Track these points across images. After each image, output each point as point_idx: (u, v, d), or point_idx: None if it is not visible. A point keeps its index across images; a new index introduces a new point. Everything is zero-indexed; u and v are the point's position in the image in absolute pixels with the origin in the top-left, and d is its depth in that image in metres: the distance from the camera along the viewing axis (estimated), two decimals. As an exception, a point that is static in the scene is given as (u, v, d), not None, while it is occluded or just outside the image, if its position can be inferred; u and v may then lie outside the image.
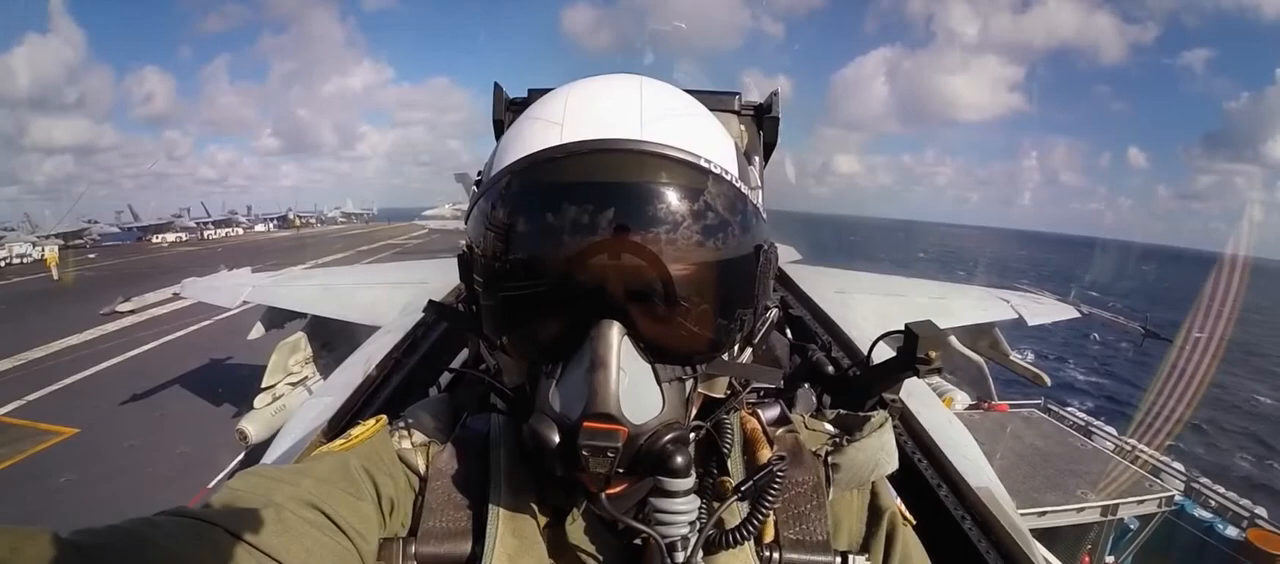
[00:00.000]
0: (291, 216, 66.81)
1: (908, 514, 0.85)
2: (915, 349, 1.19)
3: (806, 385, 1.06)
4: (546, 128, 0.68)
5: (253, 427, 4.46)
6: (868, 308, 4.25)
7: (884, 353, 1.31)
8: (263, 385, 4.65)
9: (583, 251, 0.62)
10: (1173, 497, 9.24)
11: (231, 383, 10.43)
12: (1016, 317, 5.55)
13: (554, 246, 0.63)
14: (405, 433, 0.78)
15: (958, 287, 6.76)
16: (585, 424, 0.60)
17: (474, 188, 0.77)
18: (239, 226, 56.44)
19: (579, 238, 0.62)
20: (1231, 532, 9.09)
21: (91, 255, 35.76)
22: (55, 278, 25.49)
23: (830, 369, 1.33)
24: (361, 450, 0.72)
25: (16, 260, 31.19)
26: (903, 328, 1.21)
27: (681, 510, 0.64)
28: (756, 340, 0.77)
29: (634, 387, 0.62)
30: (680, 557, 0.64)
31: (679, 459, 0.62)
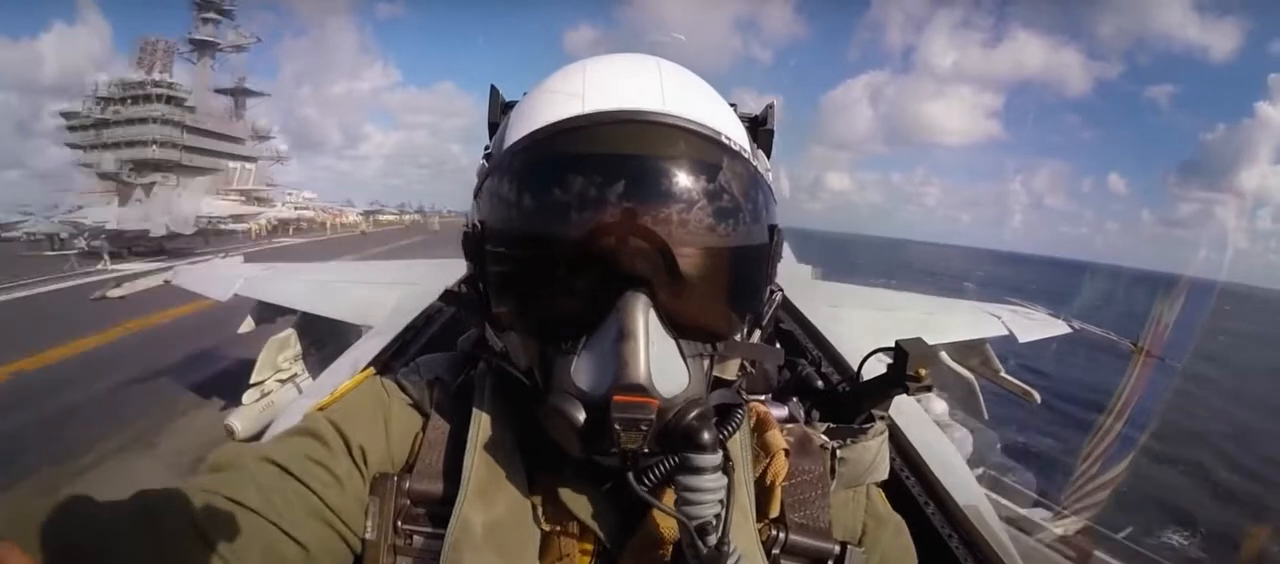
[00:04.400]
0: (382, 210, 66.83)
1: (903, 526, 0.85)
2: (905, 366, 1.19)
3: (795, 399, 1.05)
4: (567, 99, 0.67)
5: (240, 422, 4.43)
6: (859, 323, 4.26)
7: (874, 369, 1.31)
8: (251, 381, 4.62)
9: (609, 222, 0.61)
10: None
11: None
12: (1008, 333, 5.58)
13: (578, 216, 0.61)
14: (414, 373, 0.80)
15: (950, 302, 6.78)
16: (617, 397, 0.58)
17: (483, 162, 0.75)
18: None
19: (604, 208, 0.61)
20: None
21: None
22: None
23: (820, 384, 1.33)
24: (338, 408, 0.73)
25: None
26: (893, 344, 1.21)
27: (710, 489, 0.60)
28: (764, 322, 0.76)
29: (662, 359, 0.61)
30: (712, 539, 0.60)
31: (706, 434, 0.60)
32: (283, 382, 4.69)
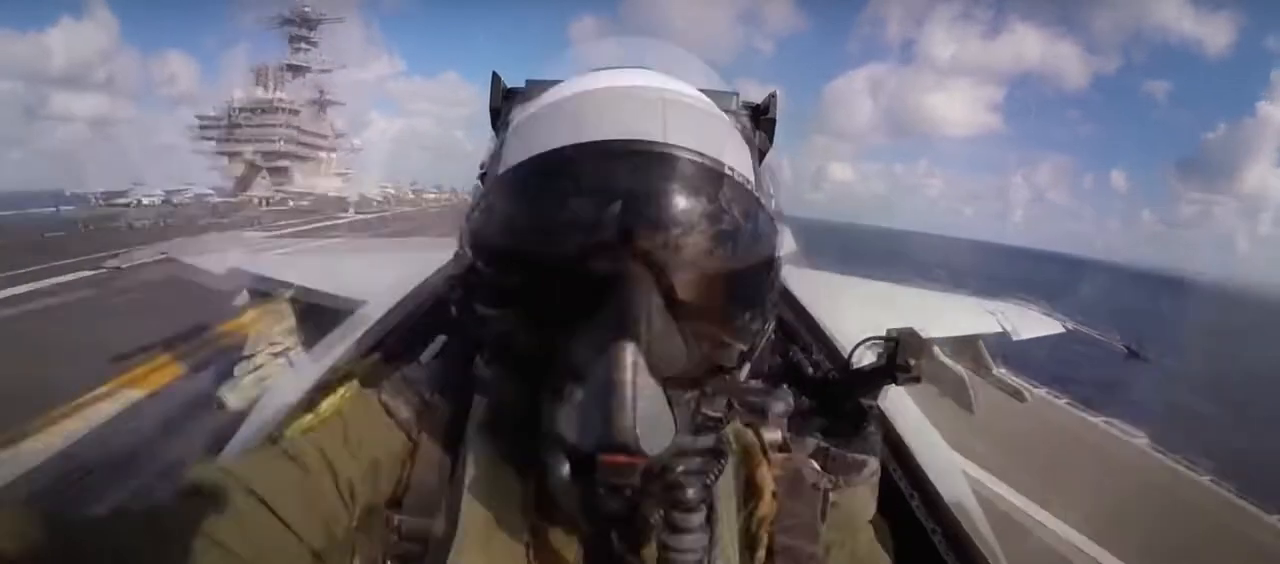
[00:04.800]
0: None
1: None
2: (896, 356, 1.18)
3: (785, 386, 1.05)
4: (563, 122, 0.64)
5: (232, 395, 4.43)
6: (854, 314, 4.25)
7: (866, 358, 1.30)
8: (244, 354, 4.62)
9: (599, 262, 0.58)
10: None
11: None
12: (1002, 330, 5.60)
13: (566, 253, 0.59)
14: (401, 389, 0.75)
15: (946, 297, 6.80)
16: (603, 459, 0.55)
17: (478, 183, 0.72)
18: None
19: (595, 245, 0.58)
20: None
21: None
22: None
23: (810, 371, 1.33)
24: (325, 434, 0.69)
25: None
26: (885, 334, 1.21)
27: (692, 549, 0.60)
28: (756, 356, 0.73)
29: (650, 413, 0.57)
30: None
31: (691, 492, 0.58)
32: (276, 355, 4.69)
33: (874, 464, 0.85)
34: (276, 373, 4.48)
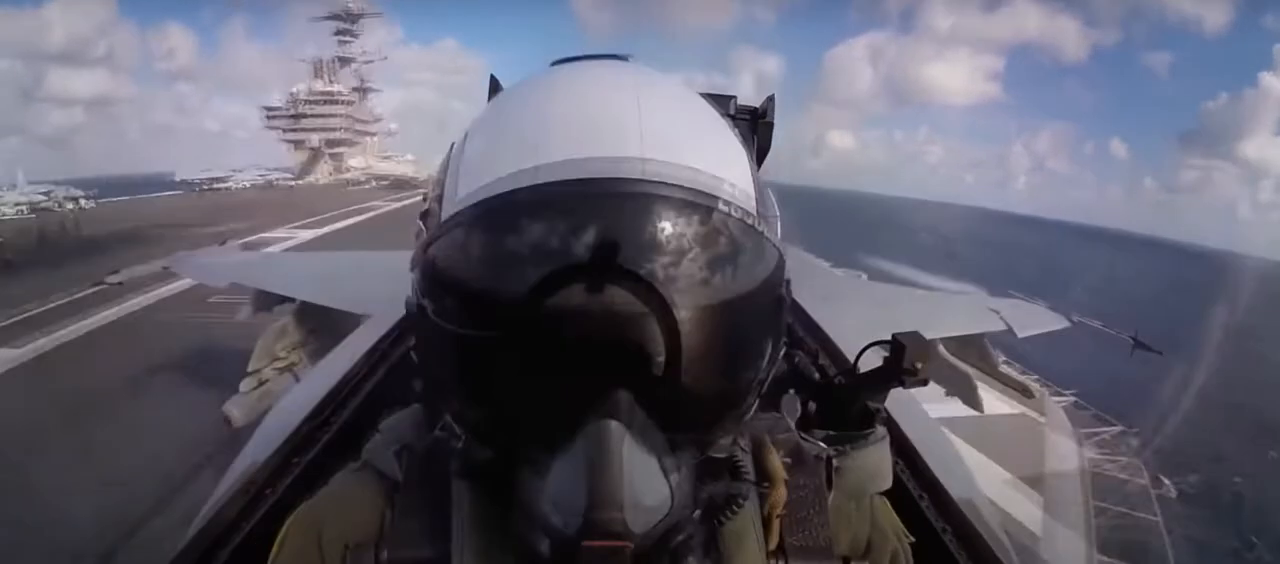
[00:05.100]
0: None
1: (908, 534, 0.82)
2: (902, 359, 1.18)
3: (791, 391, 1.05)
4: (520, 146, 0.54)
5: (238, 411, 4.42)
6: (856, 316, 4.26)
7: (871, 362, 1.30)
8: (249, 369, 4.61)
9: (568, 323, 0.49)
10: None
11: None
12: (1006, 327, 5.58)
13: (529, 316, 0.49)
14: (381, 447, 0.73)
15: (948, 296, 6.80)
16: (587, 543, 0.48)
17: (434, 205, 0.60)
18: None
19: (562, 305, 0.49)
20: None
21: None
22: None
23: (815, 375, 1.33)
24: (324, 513, 0.69)
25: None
26: (890, 337, 1.21)
27: None
28: (767, 383, 0.66)
29: (639, 486, 0.49)
30: None
31: (690, 561, 0.55)
32: (280, 370, 4.68)
33: (881, 431, 0.83)
34: (282, 388, 4.48)
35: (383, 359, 1.88)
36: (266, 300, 5.47)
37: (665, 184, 0.52)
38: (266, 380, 4.63)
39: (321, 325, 4.82)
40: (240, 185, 52.13)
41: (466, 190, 0.55)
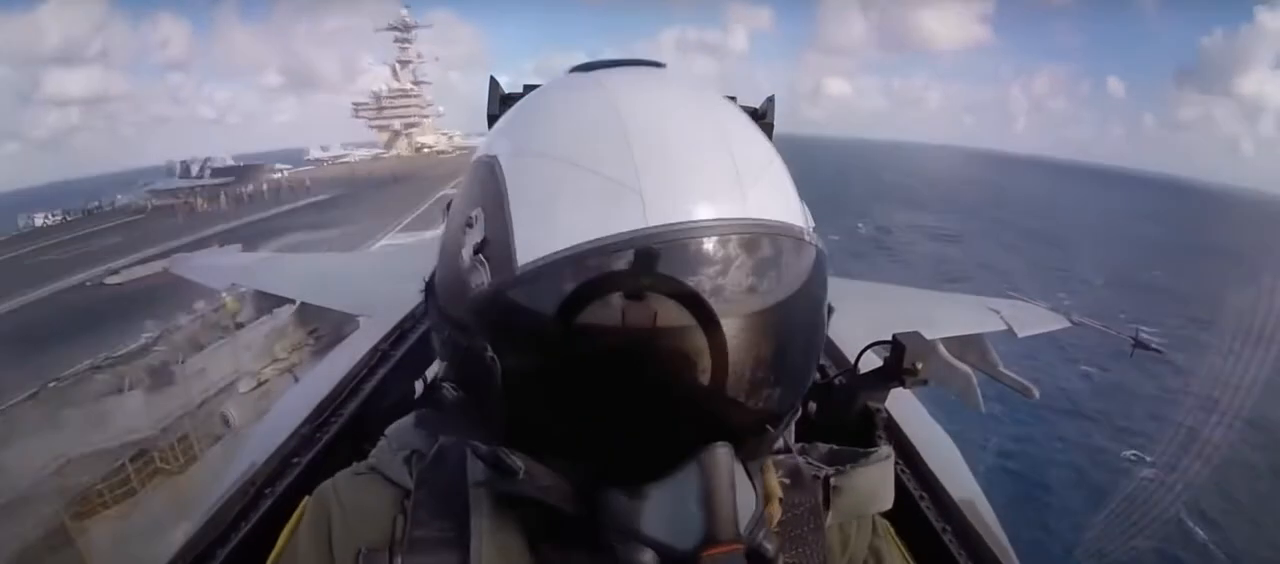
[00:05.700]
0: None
1: (909, 558, 0.82)
2: (902, 359, 1.19)
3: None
4: (619, 192, 0.53)
5: (237, 411, 4.43)
6: (856, 316, 4.25)
7: (871, 362, 1.30)
8: (249, 370, 4.62)
9: (692, 380, 0.53)
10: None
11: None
12: (1006, 328, 5.59)
13: (654, 373, 0.53)
14: (386, 454, 0.73)
15: (948, 296, 6.82)
16: (708, 552, 0.51)
17: (467, 228, 0.58)
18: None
19: (686, 363, 0.52)
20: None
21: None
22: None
23: (816, 376, 1.33)
24: (338, 525, 0.68)
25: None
26: (890, 338, 1.22)
27: None
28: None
29: (742, 498, 0.55)
30: None
31: (769, 547, 0.57)
32: (280, 371, 4.69)
33: (884, 449, 0.82)
34: (281, 389, 4.48)
35: (383, 359, 1.88)
36: (266, 301, 5.48)
37: (775, 223, 0.56)
38: (266, 380, 4.64)
39: (321, 325, 4.83)
40: (358, 158, 64.90)
41: (545, 235, 0.54)
